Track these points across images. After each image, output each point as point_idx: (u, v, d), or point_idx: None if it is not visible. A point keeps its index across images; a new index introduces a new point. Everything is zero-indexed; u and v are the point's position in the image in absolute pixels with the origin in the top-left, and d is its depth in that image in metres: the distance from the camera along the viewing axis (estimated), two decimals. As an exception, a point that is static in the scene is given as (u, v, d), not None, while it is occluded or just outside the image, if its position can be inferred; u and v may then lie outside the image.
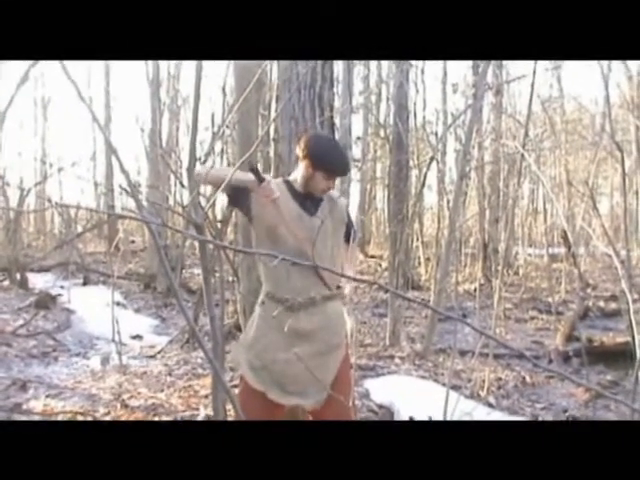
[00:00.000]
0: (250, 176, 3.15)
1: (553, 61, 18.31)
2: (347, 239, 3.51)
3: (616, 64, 17.16)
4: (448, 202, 11.49)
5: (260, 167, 5.92)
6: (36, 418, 5.31)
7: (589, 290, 13.78)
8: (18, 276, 12.93)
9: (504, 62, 16.63)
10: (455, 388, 5.88)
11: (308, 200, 3.38)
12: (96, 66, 30.19)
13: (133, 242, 22.74)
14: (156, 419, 5.29)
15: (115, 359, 7.33)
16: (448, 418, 4.96)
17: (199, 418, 5.26)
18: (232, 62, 6.51)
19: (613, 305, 11.67)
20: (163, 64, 17.44)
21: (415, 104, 17.72)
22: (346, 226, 3.48)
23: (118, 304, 10.57)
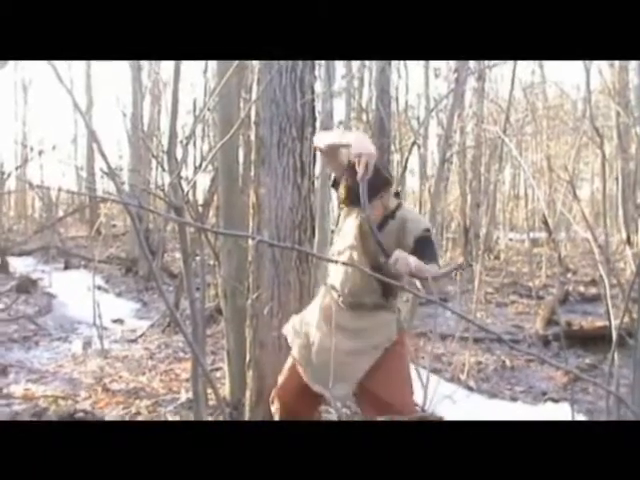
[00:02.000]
0: None
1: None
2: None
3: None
4: (430, 187, 11.50)
5: (241, 151, 5.92)
6: (17, 402, 5.31)
7: (569, 275, 13.87)
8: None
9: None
10: (435, 371, 5.93)
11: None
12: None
13: (114, 226, 22.62)
14: (137, 402, 5.30)
15: (96, 343, 7.33)
16: (428, 401, 4.99)
17: (180, 402, 5.27)
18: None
19: (593, 290, 11.76)
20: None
21: (397, 89, 17.64)
22: (419, 245, 3.27)
23: (99, 288, 10.55)
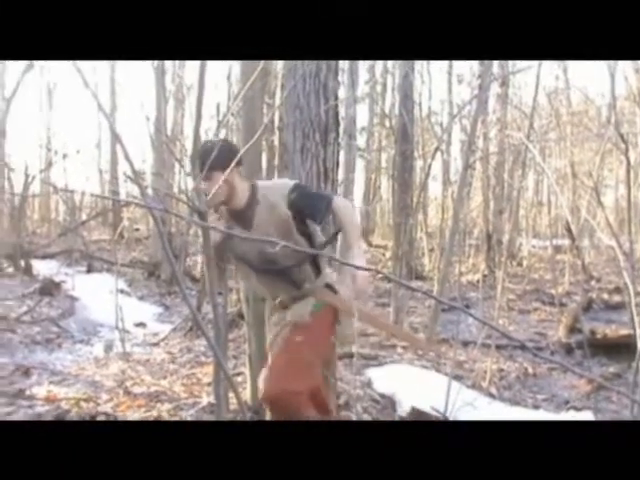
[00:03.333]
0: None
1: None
2: (313, 216, 3.33)
3: (623, 56, 17.02)
4: (452, 193, 11.46)
5: (264, 156, 5.93)
6: (39, 404, 5.34)
7: (593, 282, 13.77)
8: (22, 263, 12.94)
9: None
10: (457, 378, 5.88)
11: (242, 213, 3.39)
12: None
13: (137, 230, 22.68)
14: (159, 406, 5.31)
15: (118, 346, 7.36)
16: (450, 408, 4.97)
17: (202, 406, 5.27)
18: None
19: (617, 297, 11.65)
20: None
21: (421, 94, 17.71)
22: (297, 207, 3.28)
23: (122, 292, 10.59)
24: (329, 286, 3.47)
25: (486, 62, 9.72)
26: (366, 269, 2.69)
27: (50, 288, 10.76)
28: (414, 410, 5.22)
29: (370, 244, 22.20)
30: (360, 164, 21.18)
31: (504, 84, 16.57)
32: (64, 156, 21.42)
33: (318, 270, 3.44)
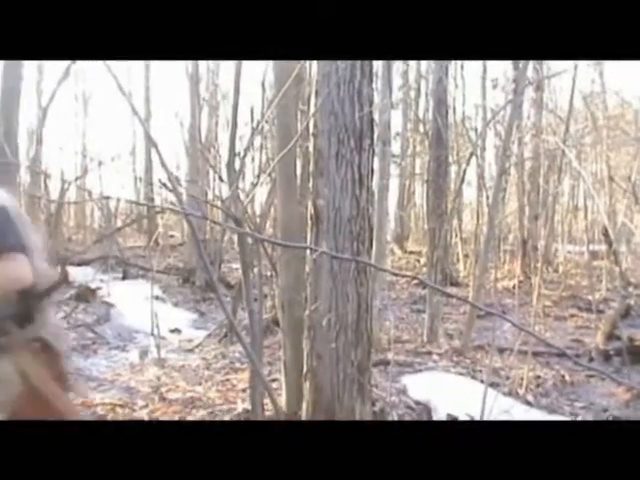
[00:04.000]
0: None
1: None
2: None
3: (660, 59, 16.83)
4: (487, 198, 11.38)
5: (299, 162, 5.93)
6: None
7: (631, 288, 13.55)
8: (58, 269, 13.04)
9: (545, 57, 16.42)
10: (493, 385, 5.83)
11: None
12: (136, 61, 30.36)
13: (172, 237, 22.75)
14: (194, 412, 5.32)
15: (154, 352, 7.39)
16: (486, 415, 4.93)
17: (237, 412, 5.28)
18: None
19: (656, 304, 11.49)
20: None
21: (454, 99, 17.60)
22: None
23: (157, 298, 10.63)
24: (41, 339, 2.63)
25: (521, 66, 9.65)
26: (403, 275, 2.67)
27: (86, 294, 10.85)
28: (450, 417, 5.19)
29: (405, 250, 22.12)
30: (394, 170, 21.09)
31: (539, 88, 16.44)
32: (99, 163, 21.64)
33: (27, 319, 2.61)
